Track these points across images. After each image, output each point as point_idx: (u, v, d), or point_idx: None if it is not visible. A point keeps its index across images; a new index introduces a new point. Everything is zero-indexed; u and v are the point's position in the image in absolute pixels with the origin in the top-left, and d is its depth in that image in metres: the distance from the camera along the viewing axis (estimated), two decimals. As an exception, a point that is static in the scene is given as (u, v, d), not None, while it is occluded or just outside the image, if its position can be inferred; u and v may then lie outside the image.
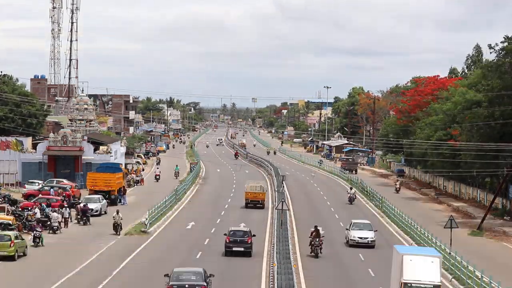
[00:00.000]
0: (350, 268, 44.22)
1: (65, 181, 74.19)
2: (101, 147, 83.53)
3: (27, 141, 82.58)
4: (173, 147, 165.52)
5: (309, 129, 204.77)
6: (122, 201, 69.07)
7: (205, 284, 32.66)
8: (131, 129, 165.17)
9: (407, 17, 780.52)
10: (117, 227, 52.69)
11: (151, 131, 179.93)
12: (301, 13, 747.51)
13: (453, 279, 40.94)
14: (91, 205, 59.65)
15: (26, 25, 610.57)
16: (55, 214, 53.45)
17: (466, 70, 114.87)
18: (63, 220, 54.64)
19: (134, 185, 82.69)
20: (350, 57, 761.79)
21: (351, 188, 79.94)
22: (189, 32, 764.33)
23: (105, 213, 62.45)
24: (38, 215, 53.25)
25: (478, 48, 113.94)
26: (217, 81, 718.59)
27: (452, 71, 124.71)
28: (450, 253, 43.75)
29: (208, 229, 56.23)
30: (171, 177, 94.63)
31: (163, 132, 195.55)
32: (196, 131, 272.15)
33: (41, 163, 79.73)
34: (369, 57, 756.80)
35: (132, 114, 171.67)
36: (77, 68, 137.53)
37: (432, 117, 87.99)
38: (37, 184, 72.95)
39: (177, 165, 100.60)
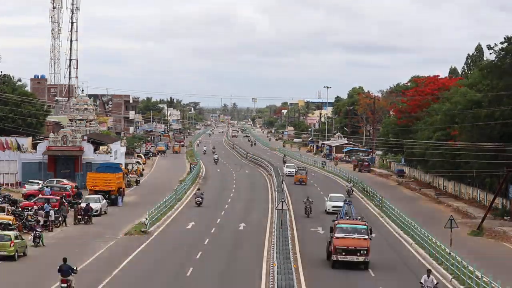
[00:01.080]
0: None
1: (65, 181, 74.17)
2: (101, 147, 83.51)
3: (27, 141, 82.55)
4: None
5: (309, 129, 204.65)
6: (117, 202, 68.41)
7: None
8: (131, 129, 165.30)
9: (421, 7, 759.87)
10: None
11: (151, 131, 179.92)
12: (302, 5, 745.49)
13: (453, 279, 40.91)
14: (91, 205, 59.61)
15: (26, 24, 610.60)
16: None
17: (466, 70, 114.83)
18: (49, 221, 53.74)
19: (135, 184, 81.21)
20: (351, 55, 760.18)
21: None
22: (189, 32, 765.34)
23: (105, 213, 62.52)
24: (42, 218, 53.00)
25: (479, 48, 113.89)
26: (217, 81, 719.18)
27: (453, 71, 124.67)
28: (450, 253, 43.68)
29: (208, 229, 56.21)
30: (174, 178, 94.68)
31: (163, 132, 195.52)
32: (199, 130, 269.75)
33: (41, 163, 79.71)
34: (375, 54, 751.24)
35: (132, 114, 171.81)
36: (77, 68, 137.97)
37: (433, 118, 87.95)
38: (37, 184, 72.92)
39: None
